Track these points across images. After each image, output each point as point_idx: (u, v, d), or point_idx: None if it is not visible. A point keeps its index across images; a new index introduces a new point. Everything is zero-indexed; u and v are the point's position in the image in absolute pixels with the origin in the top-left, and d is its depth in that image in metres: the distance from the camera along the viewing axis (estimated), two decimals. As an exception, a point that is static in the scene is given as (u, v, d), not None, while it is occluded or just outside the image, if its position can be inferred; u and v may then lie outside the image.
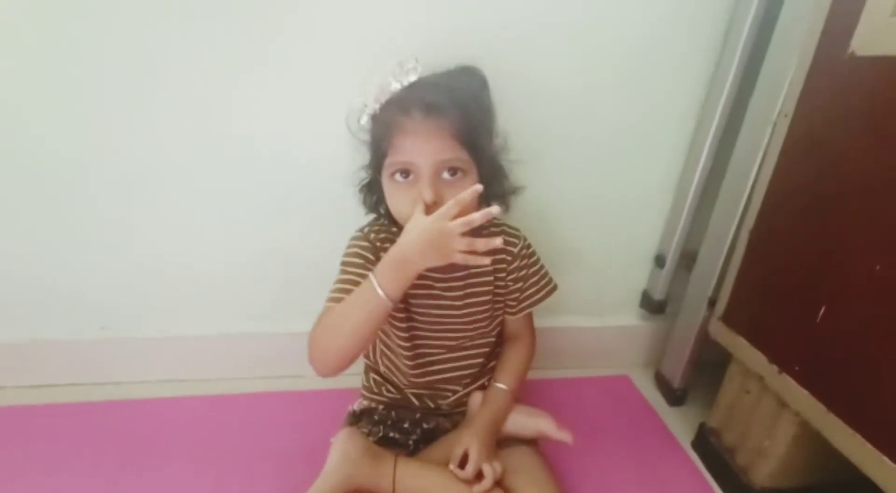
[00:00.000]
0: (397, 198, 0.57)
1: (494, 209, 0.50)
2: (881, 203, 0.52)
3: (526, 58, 0.73)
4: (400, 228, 0.59)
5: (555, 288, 0.71)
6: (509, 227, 0.69)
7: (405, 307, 0.64)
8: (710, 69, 0.77)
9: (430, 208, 0.53)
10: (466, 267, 0.63)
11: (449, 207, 0.49)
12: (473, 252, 0.50)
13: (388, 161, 0.56)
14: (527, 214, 0.81)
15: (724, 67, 0.75)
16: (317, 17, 0.67)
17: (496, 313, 0.69)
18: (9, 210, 0.74)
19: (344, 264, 0.62)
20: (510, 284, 0.67)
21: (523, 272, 0.68)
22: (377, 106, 0.57)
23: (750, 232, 0.68)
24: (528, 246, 0.69)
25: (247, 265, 0.82)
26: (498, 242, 0.51)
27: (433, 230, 0.49)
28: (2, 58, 0.65)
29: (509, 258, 0.67)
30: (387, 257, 0.53)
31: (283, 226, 0.80)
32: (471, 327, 0.67)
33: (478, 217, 0.49)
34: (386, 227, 0.64)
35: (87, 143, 0.71)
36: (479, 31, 0.69)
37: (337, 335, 0.54)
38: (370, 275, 0.53)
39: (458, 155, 0.54)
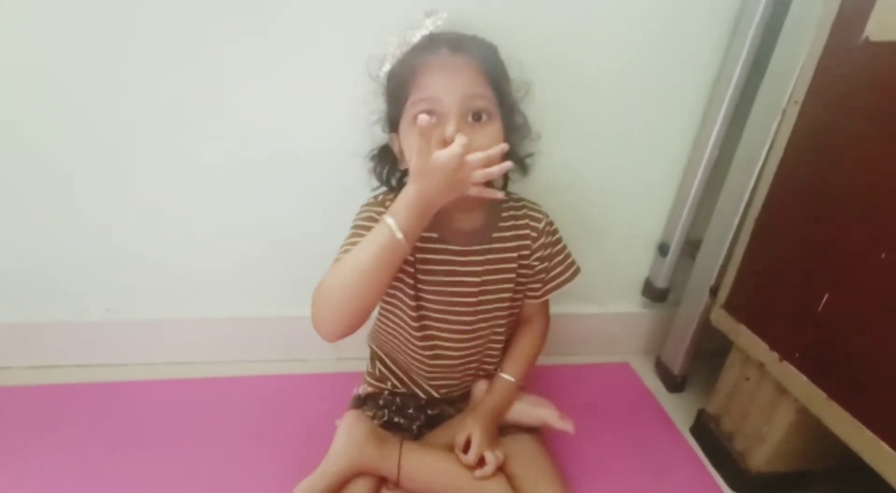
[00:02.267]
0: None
1: (508, 164, 0.50)
2: (891, 192, 0.51)
3: (531, 44, 0.71)
4: None
5: (578, 270, 0.67)
6: (530, 202, 0.66)
7: (414, 284, 0.61)
8: (719, 55, 0.76)
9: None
10: (487, 238, 0.61)
11: (465, 148, 0.46)
12: (488, 187, 0.50)
13: (411, 100, 0.52)
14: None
15: (733, 53, 0.74)
16: (316, 3, 0.66)
17: (516, 298, 0.65)
18: (16, 194, 0.74)
19: (356, 227, 0.59)
20: (535, 263, 0.64)
21: (548, 251, 0.64)
22: (399, 53, 0.55)
23: (755, 220, 0.68)
24: (552, 223, 0.65)
25: (252, 249, 0.82)
26: (508, 164, 0.50)
27: (453, 161, 0.46)
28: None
29: (534, 234, 0.63)
30: (401, 197, 0.49)
31: (287, 210, 0.79)
32: (488, 307, 0.63)
33: (496, 170, 0.48)
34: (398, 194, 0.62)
35: (89, 128, 0.70)
36: (484, 21, 0.68)
37: (347, 285, 0.49)
38: (384, 217, 0.49)
39: (484, 92, 0.52)
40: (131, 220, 0.78)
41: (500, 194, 0.51)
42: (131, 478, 0.67)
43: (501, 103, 0.55)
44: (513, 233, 0.62)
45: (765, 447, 0.67)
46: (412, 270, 0.60)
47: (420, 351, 0.65)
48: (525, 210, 0.64)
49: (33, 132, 0.70)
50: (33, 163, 0.72)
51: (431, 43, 0.53)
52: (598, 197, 0.86)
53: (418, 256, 0.59)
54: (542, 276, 0.65)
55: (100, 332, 0.85)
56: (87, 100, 0.69)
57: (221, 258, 0.83)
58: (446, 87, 0.51)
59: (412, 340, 0.65)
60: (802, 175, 0.62)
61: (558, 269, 0.66)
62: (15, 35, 0.64)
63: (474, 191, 0.49)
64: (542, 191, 0.82)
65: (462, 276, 0.61)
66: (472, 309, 0.63)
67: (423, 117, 0.45)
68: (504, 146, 0.49)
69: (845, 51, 0.57)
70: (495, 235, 0.62)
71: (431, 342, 0.65)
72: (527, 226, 0.63)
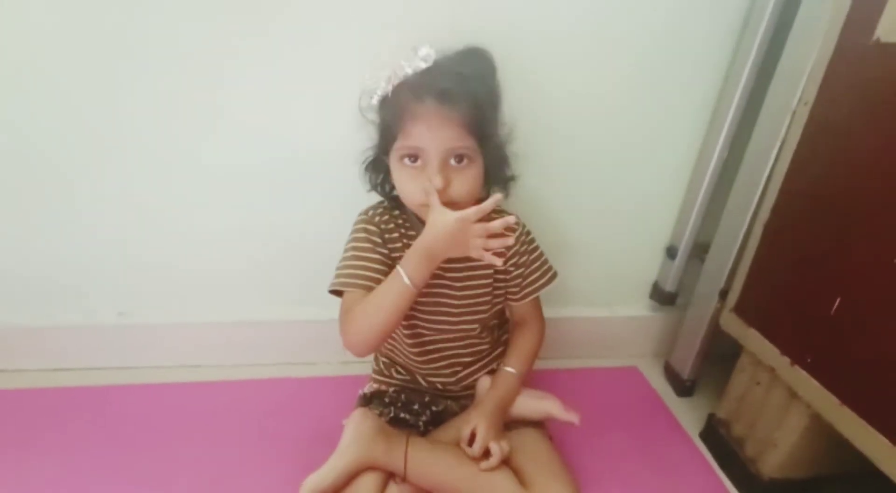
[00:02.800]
0: (405, 181, 0.59)
1: (498, 196, 0.55)
2: (903, 194, 0.51)
3: (537, 44, 0.72)
4: (403, 209, 0.63)
5: (555, 276, 0.72)
6: (507, 213, 0.69)
7: None
8: (727, 55, 0.76)
9: (440, 193, 0.55)
10: None
11: (471, 212, 0.53)
12: (489, 249, 0.55)
13: (397, 144, 0.57)
14: (539, 204, 0.81)
15: (742, 53, 0.73)
16: (320, 2, 0.66)
17: (496, 299, 0.70)
18: (27, 198, 0.75)
19: (352, 246, 0.64)
20: (511, 269, 0.68)
21: (524, 258, 0.69)
22: (389, 89, 0.57)
23: (765, 223, 0.68)
24: (528, 233, 0.70)
25: (260, 253, 0.83)
26: (510, 241, 0.56)
27: (457, 228, 0.54)
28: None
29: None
30: (413, 249, 0.57)
31: (295, 213, 0.80)
32: (469, 310, 0.68)
33: (498, 225, 0.55)
34: (388, 209, 0.66)
35: (91, 131, 0.72)
36: (488, 22, 0.68)
37: (374, 324, 0.59)
38: (398, 267, 0.57)
39: (466, 144, 0.56)
40: (142, 224, 0.79)
41: (499, 262, 0.56)
42: (141, 479, 0.68)
43: (485, 145, 0.58)
44: (502, 260, 0.67)
45: (776, 452, 0.67)
46: None
47: (410, 348, 0.69)
48: (502, 221, 0.68)
49: (37, 134, 0.71)
50: (43, 167, 0.74)
51: (421, 88, 0.55)
52: (605, 199, 0.86)
53: None
54: (519, 280, 0.69)
55: (111, 335, 0.86)
56: (88, 100, 0.69)
57: (230, 262, 0.84)
58: (430, 139, 0.55)
59: (404, 340, 0.69)
60: (813, 177, 0.62)
61: (534, 275, 0.70)
62: (15, 35, 0.65)
63: (477, 253, 0.55)
64: (549, 193, 0.82)
65: (447, 280, 0.66)
66: (456, 311, 0.67)
67: (428, 187, 0.55)
68: (498, 197, 0.55)
69: (856, 51, 0.56)
70: None
71: (420, 340, 0.69)
72: (502, 236, 0.67)
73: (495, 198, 0.54)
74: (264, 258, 0.84)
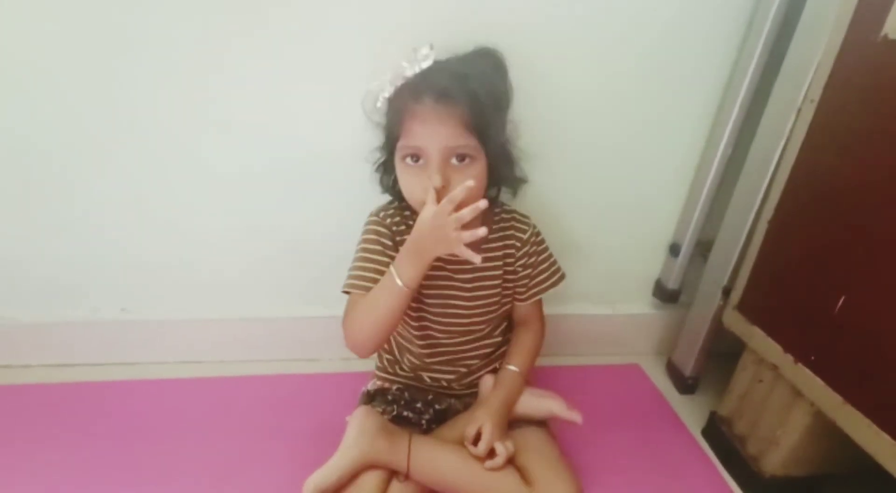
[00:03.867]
0: (408, 181, 0.58)
1: (482, 204, 0.52)
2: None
3: (543, 42, 0.71)
4: (412, 210, 0.61)
5: (563, 277, 0.72)
6: (519, 214, 0.70)
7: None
8: (732, 52, 0.75)
9: (439, 193, 0.55)
10: (478, 247, 0.64)
11: (444, 203, 0.52)
12: (471, 245, 0.53)
13: (400, 144, 0.57)
14: (541, 201, 0.81)
15: (747, 50, 0.73)
16: (327, 1, 0.66)
17: (505, 300, 0.70)
18: (30, 198, 0.75)
19: (362, 248, 0.64)
20: (519, 270, 0.68)
21: (532, 259, 0.69)
22: (391, 89, 0.58)
23: (769, 221, 0.67)
24: (538, 234, 0.70)
25: (263, 250, 0.83)
26: (482, 231, 0.52)
27: (434, 224, 0.53)
28: None
29: (518, 244, 0.68)
30: (403, 249, 0.57)
31: (298, 211, 0.80)
32: (479, 311, 0.68)
33: (467, 213, 0.52)
34: (399, 210, 0.66)
35: (102, 133, 0.72)
36: (492, 19, 0.68)
37: (367, 323, 0.59)
38: (390, 266, 0.58)
39: (466, 142, 0.55)
40: (144, 223, 0.79)
41: (477, 259, 0.54)
42: (145, 475, 0.68)
43: (487, 145, 0.57)
44: (500, 243, 0.68)
45: (779, 450, 0.67)
46: None
47: (419, 348, 0.69)
48: (512, 222, 0.69)
49: (39, 134, 0.71)
50: (46, 167, 0.74)
51: (419, 87, 0.55)
52: (608, 197, 0.85)
53: None
54: (526, 281, 0.69)
55: (115, 331, 0.86)
56: (89, 100, 0.69)
57: (233, 259, 0.84)
58: (430, 138, 0.55)
59: (412, 338, 0.69)
60: (818, 174, 0.61)
61: (542, 275, 0.70)
62: (15, 36, 0.65)
63: (462, 250, 0.52)
64: (551, 190, 0.82)
65: (456, 281, 0.66)
66: (466, 311, 0.67)
67: (427, 185, 0.54)
68: (469, 184, 0.51)
69: (863, 48, 0.56)
70: (484, 246, 0.66)
71: (429, 342, 0.69)
72: (512, 236, 0.68)
73: (474, 206, 0.51)
74: (267, 256, 0.84)
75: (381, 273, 0.60)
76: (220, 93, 0.71)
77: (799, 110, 0.64)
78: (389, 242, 0.63)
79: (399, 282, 0.56)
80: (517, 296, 0.70)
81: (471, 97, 0.55)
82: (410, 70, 0.56)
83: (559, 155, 0.80)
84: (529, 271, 0.69)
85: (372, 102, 0.60)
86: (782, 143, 0.67)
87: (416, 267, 0.56)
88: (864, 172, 0.56)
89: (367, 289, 0.60)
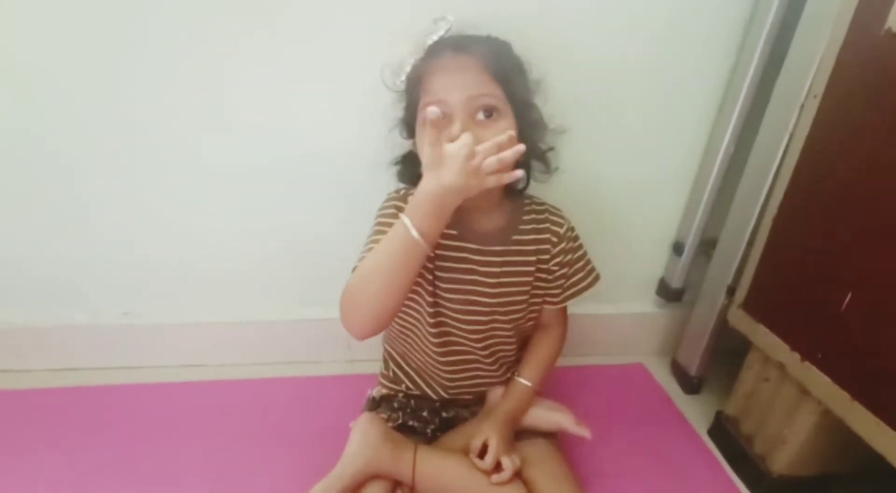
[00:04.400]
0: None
1: (521, 147, 0.45)
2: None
3: (542, 41, 0.70)
4: None
5: (598, 277, 0.67)
6: (553, 207, 0.66)
7: (432, 280, 0.60)
8: (734, 47, 0.75)
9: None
10: (507, 239, 0.61)
11: (485, 145, 0.45)
12: (504, 171, 0.46)
13: (420, 105, 0.54)
14: (542, 198, 0.80)
15: (749, 45, 0.72)
16: (327, 1, 0.66)
17: (533, 301, 0.65)
18: (30, 199, 0.75)
19: (378, 223, 0.59)
20: (554, 269, 0.63)
21: (569, 257, 0.64)
22: (413, 60, 0.55)
23: (773, 218, 0.67)
24: (573, 229, 0.65)
25: (265, 253, 0.83)
26: (519, 173, 0.46)
27: (464, 150, 0.44)
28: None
29: (554, 239, 0.63)
30: (417, 195, 0.47)
31: (301, 212, 0.80)
32: (503, 310, 0.63)
33: (509, 154, 0.45)
34: None
35: (103, 133, 0.71)
36: (494, 17, 0.67)
37: (370, 289, 0.49)
38: (401, 217, 0.47)
39: (490, 90, 0.52)
40: (145, 225, 0.79)
41: (520, 173, 0.47)
42: (146, 478, 0.68)
43: (513, 99, 0.54)
44: (533, 237, 0.62)
45: (786, 449, 0.66)
46: (431, 266, 0.60)
47: (434, 348, 0.64)
48: (547, 215, 0.64)
49: (40, 135, 0.71)
50: (47, 169, 0.74)
51: (436, 46, 0.54)
52: (611, 195, 0.85)
53: (437, 252, 0.59)
54: (562, 281, 0.65)
55: (117, 335, 0.86)
56: (89, 100, 0.69)
57: (235, 263, 0.83)
58: (450, 87, 0.51)
59: (427, 337, 0.64)
60: (822, 171, 0.61)
61: (578, 275, 0.66)
62: (16, 36, 0.65)
63: (492, 181, 0.46)
64: (554, 189, 0.81)
65: (480, 275, 0.60)
66: (488, 309, 0.62)
67: (431, 109, 0.44)
68: (511, 132, 0.46)
69: (866, 43, 0.55)
70: (515, 237, 0.61)
71: (446, 339, 0.64)
72: (547, 230, 0.63)
73: (509, 132, 0.45)
74: (269, 257, 0.83)
75: None
76: (221, 93, 0.70)
77: (802, 106, 0.63)
78: None
79: (415, 234, 0.46)
80: (550, 298, 0.65)
81: (489, 47, 0.53)
82: (430, 39, 0.54)
83: (561, 154, 0.79)
84: (566, 270, 0.64)
85: (390, 74, 0.57)
86: (786, 139, 0.66)
87: (436, 215, 0.46)
88: (869, 167, 0.55)
89: None
